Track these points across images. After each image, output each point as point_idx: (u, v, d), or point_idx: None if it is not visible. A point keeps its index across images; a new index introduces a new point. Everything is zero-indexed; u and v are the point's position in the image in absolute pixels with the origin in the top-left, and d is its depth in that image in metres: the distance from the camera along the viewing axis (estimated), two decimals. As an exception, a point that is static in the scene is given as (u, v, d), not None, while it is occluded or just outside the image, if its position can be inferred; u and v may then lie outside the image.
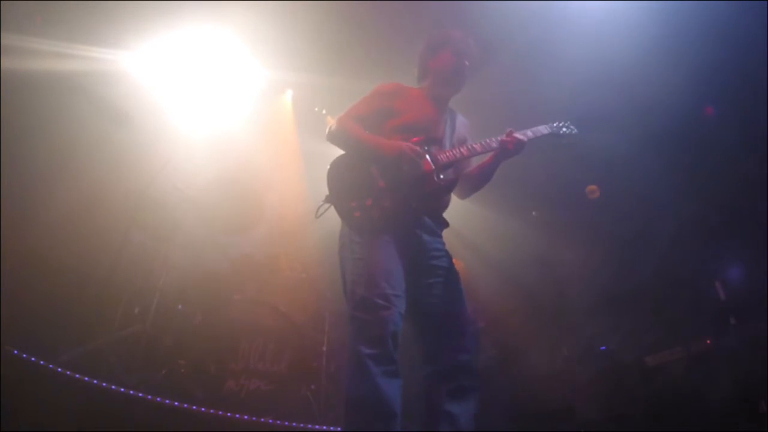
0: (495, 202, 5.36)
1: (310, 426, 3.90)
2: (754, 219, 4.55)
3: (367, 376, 2.11)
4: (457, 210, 2.85)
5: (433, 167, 2.48)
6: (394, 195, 2.42)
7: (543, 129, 2.71)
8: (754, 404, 3.52)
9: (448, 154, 2.56)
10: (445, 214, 2.67)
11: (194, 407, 3.51)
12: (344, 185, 2.49)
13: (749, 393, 3.58)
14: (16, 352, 3.02)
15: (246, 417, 3.64)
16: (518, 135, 2.58)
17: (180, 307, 4.45)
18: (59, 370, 3.14)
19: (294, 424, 3.86)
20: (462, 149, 2.59)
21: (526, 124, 2.72)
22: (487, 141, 2.61)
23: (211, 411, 3.54)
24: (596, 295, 5.22)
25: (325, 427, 3.91)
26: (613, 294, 5.11)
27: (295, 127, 6.20)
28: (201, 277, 4.75)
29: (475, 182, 2.75)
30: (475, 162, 2.76)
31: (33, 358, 3.08)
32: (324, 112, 6.12)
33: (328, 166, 2.55)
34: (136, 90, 4.93)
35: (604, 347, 4.92)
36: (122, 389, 3.30)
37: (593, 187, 5.20)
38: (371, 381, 2.10)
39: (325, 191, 2.54)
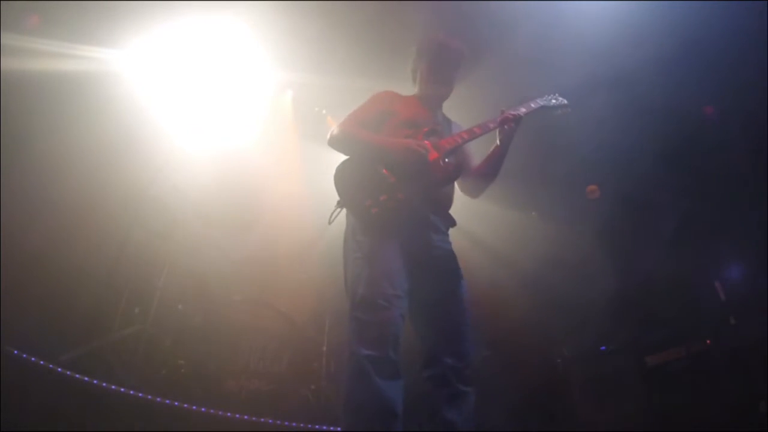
0: (495, 201, 5.36)
1: (310, 426, 3.89)
2: (753, 219, 4.55)
3: (366, 378, 2.07)
4: (459, 210, 2.85)
5: (438, 155, 2.50)
6: (406, 187, 2.40)
7: (534, 103, 2.74)
8: (754, 404, 3.52)
9: (449, 140, 2.58)
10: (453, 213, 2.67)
11: (194, 407, 3.50)
12: (356, 186, 2.46)
13: (749, 393, 3.58)
14: (16, 352, 3.01)
15: (246, 417, 3.64)
16: (513, 111, 2.61)
17: (180, 307, 4.45)
18: (59, 370, 3.14)
19: (294, 424, 3.86)
20: (462, 134, 2.60)
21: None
22: (484, 123, 2.63)
23: (211, 411, 3.54)
24: (596, 295, 5.21)
25: (325, 427, 3.90)
26: (613, 294, 5.11)
27: (295, 127, 6.20)
28: (201, 277, 4.75)
29: (485, 175, 2.73)
30: (479, 158, 2.77)
31: (33, 358, 3.07)
32: (324, 112, 6.10)
33: (334, 172, 2.53)
34: (135, 90, 4.92)
35: (604, 347, 4.91)
36: (122, 389, 3.29)
37: (593, 187, 5.19)
38: (370, 383, 2.06)
39: (326, 193, 2.54)
